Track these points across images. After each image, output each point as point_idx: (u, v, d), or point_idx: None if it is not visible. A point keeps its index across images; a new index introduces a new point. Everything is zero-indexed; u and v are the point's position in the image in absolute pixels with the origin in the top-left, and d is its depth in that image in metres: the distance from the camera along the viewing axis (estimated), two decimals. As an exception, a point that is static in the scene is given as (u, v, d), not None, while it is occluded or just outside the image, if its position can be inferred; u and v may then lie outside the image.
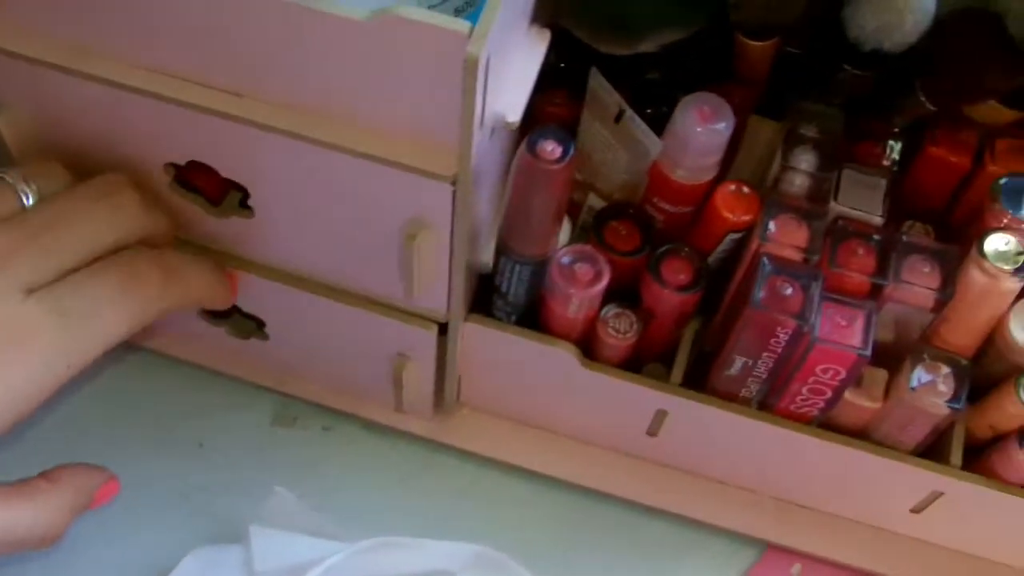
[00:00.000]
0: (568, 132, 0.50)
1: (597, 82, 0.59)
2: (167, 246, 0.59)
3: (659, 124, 0.59)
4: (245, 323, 0.68)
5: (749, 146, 0.64)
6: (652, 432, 0.67)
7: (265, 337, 0.69)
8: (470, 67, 0.45)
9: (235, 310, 0.67)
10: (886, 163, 0.61)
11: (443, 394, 0.69)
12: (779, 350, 0.58)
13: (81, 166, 0.59)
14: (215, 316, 0.68)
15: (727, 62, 0.63)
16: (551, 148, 0.50)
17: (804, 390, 0.60)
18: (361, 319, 0.62)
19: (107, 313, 0.53)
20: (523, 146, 0.50)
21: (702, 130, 0.57)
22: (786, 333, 0.57)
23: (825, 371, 0.58)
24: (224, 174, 0.56)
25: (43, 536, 0.55)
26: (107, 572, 0.67)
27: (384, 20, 0.45)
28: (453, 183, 0.51)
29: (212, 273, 0.60)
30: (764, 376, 0.60)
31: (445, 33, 0.45)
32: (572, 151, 0.50)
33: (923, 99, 0.58)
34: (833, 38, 0.58)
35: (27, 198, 0.54)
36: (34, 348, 0.50)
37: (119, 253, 0.54)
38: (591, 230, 0.61)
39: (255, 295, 0.65)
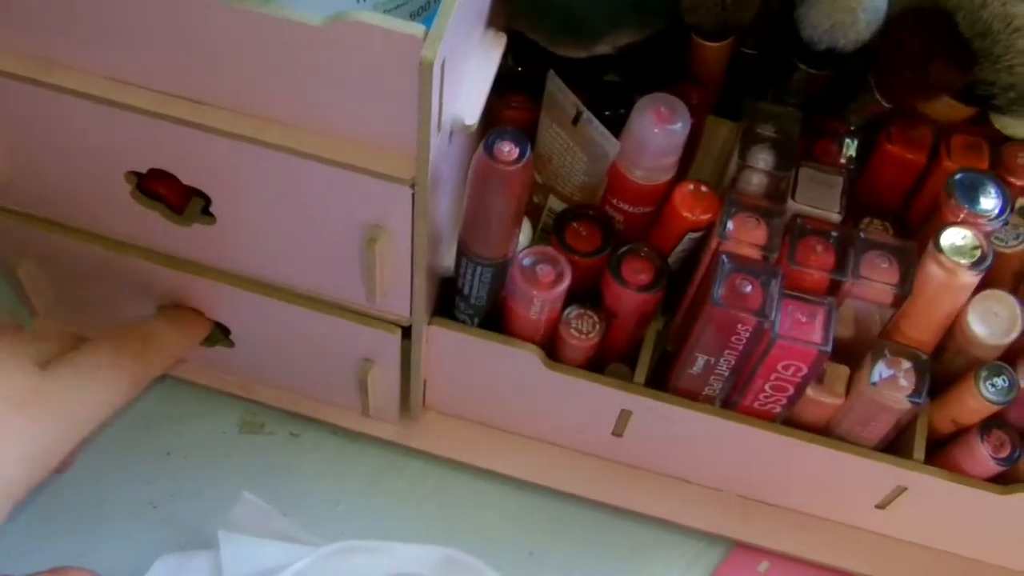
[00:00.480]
0: (524, 134, 0.51)
1: (554, 85, 0.60)
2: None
3: (617, 125, 0.60)
4: (210, 331, 0.68)
5: (707, 146, 0.65)
6: (617, 432, 0.67)
7: (231, 344, 0.69)
8: (425, 70, 0.45)
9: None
10: (843, 161, 0.62)
11: (409, 398, 0.70)
12: (740, 347, 0.58)
13: (40, 175, 0.59)
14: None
15: (683, 63, 0.63)
16: (508, 149, 0.50)
17: (766, 387, 0.60)
18: (325, 324, 0.63)
19: (108, 380, 0.57)
20: (480, 148, 0.51)
21: (659, 131, 0.58)
22: (747, 330, 0.57)
23: (787, 368, 0.58)
24: (185, 181, 0.56)
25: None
26: (75, 582, 0.67)
27: (339, 25, 0.46)
28: (412, 186, 0.51)
29: (184, 325, 0.65)
30: (726, 374, 0.61)
31: (400, 37, 0.45)
32: (529, 152, 0.50)
33: (878, 96, 0.59)
34: (787, 38, 0.58)
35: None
36: (47, 415, 0.53)
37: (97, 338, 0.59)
38: (552, 232, 0.61)
39: (220, 303, 0.65)
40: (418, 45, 0.45)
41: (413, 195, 0.51)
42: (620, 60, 0.61)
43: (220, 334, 0.68)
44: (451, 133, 0.52)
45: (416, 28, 0.45)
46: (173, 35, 0.49)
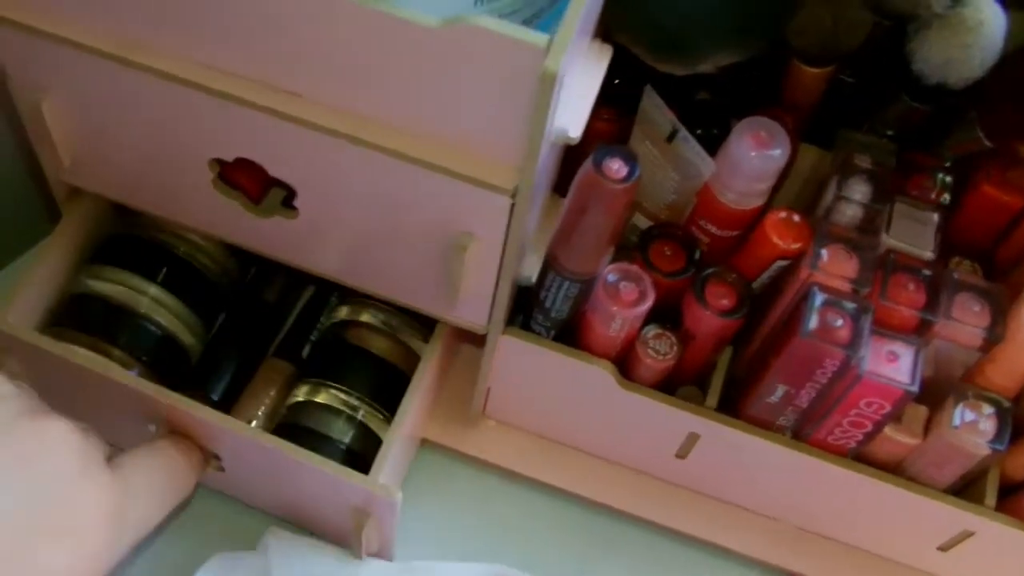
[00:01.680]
0: (634, 153, 0.49)
1: (650, 100, 0.59)
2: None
3: (707, 145, 0.59)
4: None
5: (793, 173, 0.64)
6: (680, 455, 0.66)
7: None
8: (547, 82, 0.44)
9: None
10: (937, 198, 0.60)
11: (469, 405, 0.69)
12: (824, 381, 0.57)
13: (118, 157, 0.58)
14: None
15: (776, 86, 0.62)
16: (617, 167, 0.49)
17: (844, 422, 0.59)
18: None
19: (162, 492, 0.55)
20: (588, 163, 0.49)
21: (756, 155, 0.56)
22: (834, 364, 0.56)
23: (869, 405, 0.57)
24: (273, 173, 0.55)
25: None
26: None
27: (457, 28, 0.45)
28: (512, 197, 0.50)
29: (169, 478, 0.59)
30: (804, 406, 0.59)
31: (521, 45, 0.44)
32: (637, 172, 0.49)
33: (980, 134, 0.58)
34: (893, 68, 0.57)
35: None
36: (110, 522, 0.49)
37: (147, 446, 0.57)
38: (636, 249, 0.60)
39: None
40: (540, 55, 0.44)
41: (512, 205, 0.50)
42: (713, 79, 0.59)
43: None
44: (551, 145, 0.51)
45: (539, 38, 0.44)
46: (282, 27, 0.48)
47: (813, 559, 0.69)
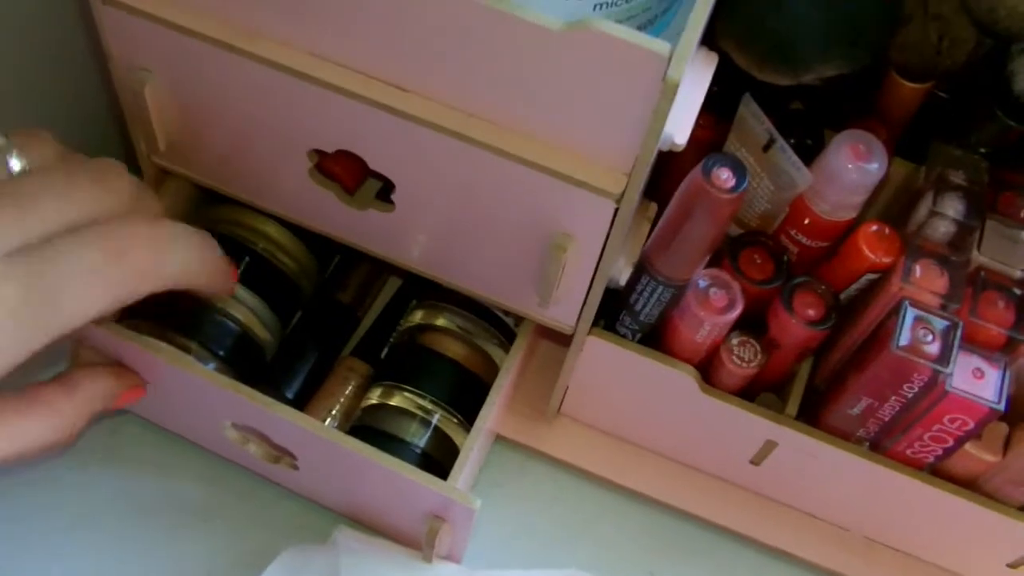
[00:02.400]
0: (743, 163, 0.50)
1: (748, 109, 0.59)
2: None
3: (800, 155, 0.59)
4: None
5: (883, 186, 0.64)
6: (755, 461, 0.66)
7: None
8: (668, 90, 0.44)
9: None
10: (1026, 216, 0.61)
11: (544, 402, 0.69)
12: (909, 395, 0.57)
13: (215, 142, 0.59)
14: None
15: (869, 98, 0.62)
16: (725, 176, 0.50)
17: (925, 437, 0.59)
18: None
19: (80, 289, 0.46)
20: (697, 170, 0.50)
21: (854, 168, 0.57)
22: (921, 380, 0.56)
23: (952, 421, 0.58)
24: (372, 166, 0.56)
25: (52, 444, 0.52)
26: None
27: (580, 32, 0.45)
28: (617, 201, 0.50)
29: (209, 256, 0.53)
30: (886, 419, 0.60)
31: (644, 53, 0.44)
32: (746, 183, 0.50)
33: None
34: (991, 87, 0.57)
35: (14, 166, 0.48)
36: (13, 317, 0.44)
37: (107, 222, 0.48)
38: (726, 256, 0.60)
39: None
40: (662, 64, 0.44)
41: (616, 210, 0.51)
42: (807, 89, 0.59)
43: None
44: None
45: (662, 46, 0.44)
46: (399, 19, 0.48)
47: (881, 570, 0.69)
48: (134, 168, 0.66)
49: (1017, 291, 0.58)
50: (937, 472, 0.63)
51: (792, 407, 0.63)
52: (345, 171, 0.59)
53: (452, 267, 0.61)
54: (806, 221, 0.60)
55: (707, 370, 0.62)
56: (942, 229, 0.59)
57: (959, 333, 0.56)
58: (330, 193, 0.59)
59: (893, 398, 0.58)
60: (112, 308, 0.47)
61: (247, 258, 0.67)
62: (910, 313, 0.56)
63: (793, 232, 0.61)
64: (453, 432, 0.65)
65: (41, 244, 0.45)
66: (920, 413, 0.58)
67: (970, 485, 0.63)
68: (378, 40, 0.50)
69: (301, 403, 0.69)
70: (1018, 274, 0.59)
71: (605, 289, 0.60)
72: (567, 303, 0.59)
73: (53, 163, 0.49)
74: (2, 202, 0.45)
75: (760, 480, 0.69)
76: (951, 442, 0.59)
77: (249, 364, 0.67)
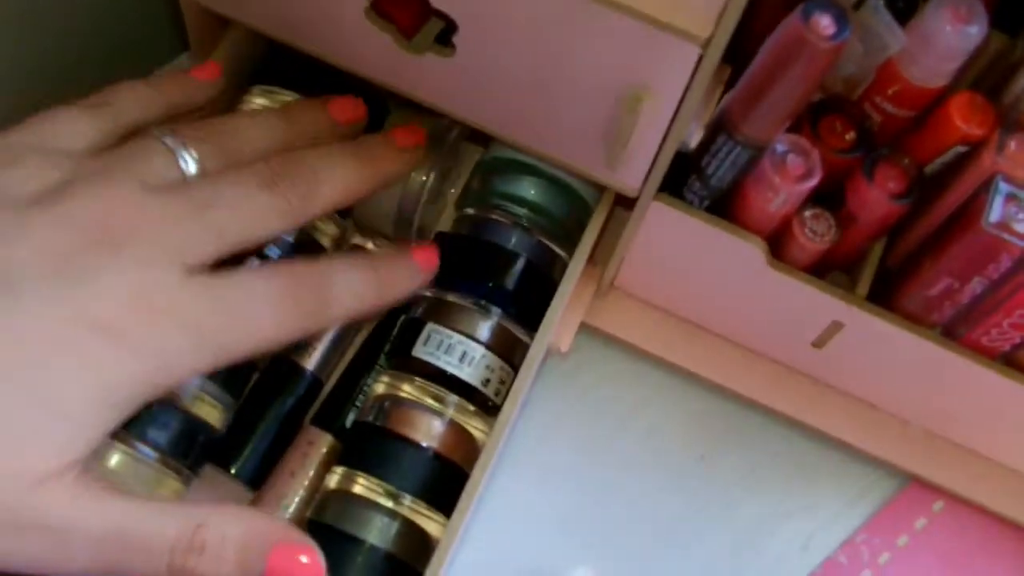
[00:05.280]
0: (847, 11, 0.46)
1: (839, -38, 0.55)
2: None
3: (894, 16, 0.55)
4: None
5: (976, 56, 0.60)
6: (818, 344, 0.63)
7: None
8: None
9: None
10: None
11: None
12: (994, 276, 0.54)
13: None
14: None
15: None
16: (826, 23, 0.46)
17: (1005, 323, 0.56)
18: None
19: (265, 314, 0.48)
20: (795, 15, 0.46)
21: (952, 30, 0.53)
22: (1010, 259, 0.53)
23: (1036, 307, 0.54)
24: (434, 3, 0.52)
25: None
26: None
27: None
28: (703, 47, 0.46)
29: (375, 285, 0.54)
30: (964, 302, 0.56)
31: None
32: (848, 32, 0.46)
33: None
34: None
35: (187, 165, 0.49)
36: (188, 327, 0.45)
37: (282, 261, 0.52)
38: (806, 122, 0.57)
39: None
40: None
41: (701, 57, 0.47)
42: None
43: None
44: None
45: None
46: None
47: (940, 465, 0.67)
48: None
49: (1117, 171, 0.54)
50: (1011, 363, 0.59)
51: (863, 287, 0.60)
52: (405, 11, 0.55)
53: (514, 121, 0.57)
54: (894, 88, 0.56)
55: (776, 243, 0.59)
56: (1040, 103, 0.55)
57: (1053, 213, 0.53)
58: (387, 36, 0.55)
59: (976, 279, 0.55)
60: (277, 345, 0.49)
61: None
62: (1003, 188, 0.52)
63: (879, 99, 0.57)
64: (425, 523, 0.56)
65: (223, 270, 0.47)
66: (1004, 297, 0.55)
67: (1046, 378, 0.60)
68: None
69: (258, 482, 0.60)
70: (1119, 153, 0.55)
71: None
72: (634, 164, 0.55)
73: (228, 170, 0.50)
74: (185, 210, 0.46)
75: (821, 364, 0.65)
76: (1032, 330, 0.56)
77: (196, 449, 0.57)
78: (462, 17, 0.52)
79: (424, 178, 0.61)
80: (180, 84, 0.56)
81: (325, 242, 0.61)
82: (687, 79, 0.48)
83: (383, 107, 0.62)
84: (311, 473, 0.60)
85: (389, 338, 0.62)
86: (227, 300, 0.46)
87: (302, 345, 0.62)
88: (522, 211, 0.61)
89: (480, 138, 0.64)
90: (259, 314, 0.47)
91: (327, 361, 0.63)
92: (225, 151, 0.51)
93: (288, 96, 0.61)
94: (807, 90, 0.49)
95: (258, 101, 0.61)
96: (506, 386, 0.59)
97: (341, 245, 0.63)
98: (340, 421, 0.62)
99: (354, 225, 0.64)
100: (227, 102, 0.62)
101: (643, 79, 0.50)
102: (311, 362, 0.62)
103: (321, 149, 0.54)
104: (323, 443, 0.61)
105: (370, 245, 0.63)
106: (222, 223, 0.47)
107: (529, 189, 0.61)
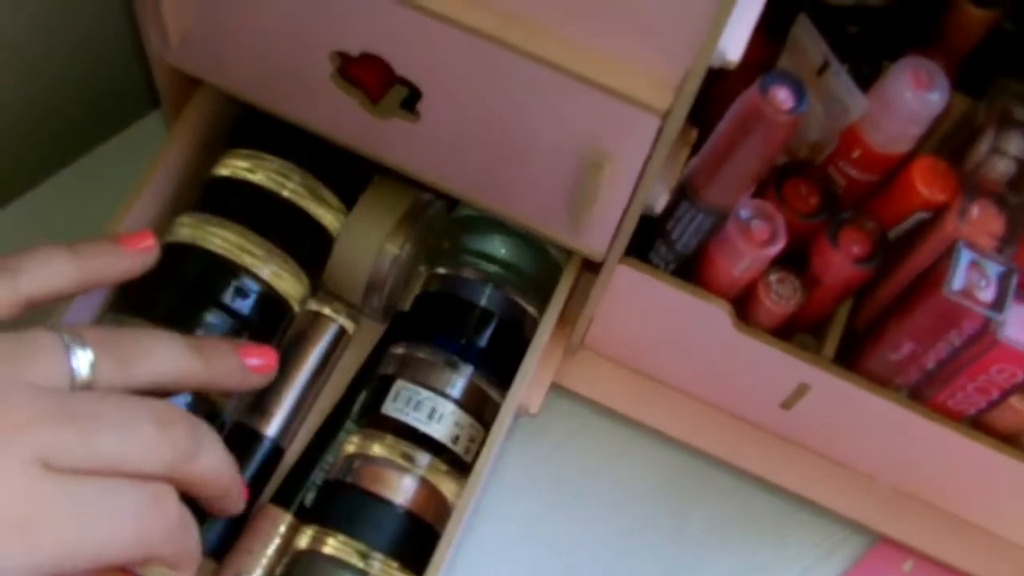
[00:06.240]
0: (803, 83, 0.46)
1: (803, 30, 0.55)
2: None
3: (856, 82, 0.55)
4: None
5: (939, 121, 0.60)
6: (786, 405, 0.63)
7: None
8: (727, -3, 0.41)
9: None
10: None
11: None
12: (956, 343, 0.54)
13: (233, 38, 0.55)
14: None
15: (927, 27, 0.59)
16: (784, 96, 0.46)
17: (969, 387, 0.56)
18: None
19: (126, 523, 0.43)
20: (753, 89, 0.46)
21: (913, 97, 0.53)
22: (972, 327, 0.53)
23: (1000, 372, 0.54)
24: (399, 71, 0.52)
25: None
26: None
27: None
28: (663, 118, 0.47)
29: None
30: (928, 366, 0.57)
31: (703, -46, 0.41)
32: (806, 104, 0.46)
33: None
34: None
35: (78, 369, 0.45)
36: (40, 535, 0.40)
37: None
38: (771, 186, 0.57)
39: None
40: (722, -32, 0.40)
41: (661, 127, 0.47)
42: (866, 13, 0.56)
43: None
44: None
45: (722, -53, 0.40)
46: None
47: (909, 524, 0.67)
48: (150, 83, 0.63)
49: (1078, 237, 0.55)
50: (977, 425, 0.60)
51: (829, 349, 0.60)
52: (371, 77, 0.55)
53: (478, 184, 0.57)
54: (857, 152, 0.56)
55: (743, 306, 0.59)
56: (1001, 168, 0.56)
57: (1015, 280, 0.53)
58: (353, 100, 0.56)
59: (939, 344, 0.55)
60: (127, 559, 0.43)
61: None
62: (965, 255, 0.53)
63: (843, 164, 0.57)
64: None
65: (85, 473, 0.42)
66: (966, 362, 0.55)
67: (1010, 440, 0.60)
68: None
69: (220, 553, 0.59)
70: (1080, 219, 0.56)
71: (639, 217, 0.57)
72: (599, 228, 0.55)
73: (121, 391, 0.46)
74: (57, 410, 0.42)
75: (789, 425, 0.65)
76: (996, 394, 0.56)
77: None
78: (425, 85, 0.52)
79: (397, 251, 0.61)
80: (104, 256, 0.52)
81: (293, 304, 0.61)
82: (648, 147, 0.49)
83: (366, 174, 0.63)
84: (269, 552, 0.59)
85: (349, 411, 0.62)
86: (91, 503, 0.42)
87: (261, 411, 0.61)
88: (493, 268, 0.61)
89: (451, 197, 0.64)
90: (123, 519, 0.43)
91: (287, 427, 0.62)
92: (125, 364, 0.47)
93: (270, 160, 0.61)
94: (767, 160, 0.50)
95: (240, 164, 0.61)
96: (476, 443, 0.59)
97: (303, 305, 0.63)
98: (298, 497, 0.60)
99: (322, 290, 0.64)
100: (199, 165, 0.63)
101: (605, 146, 0.50)
102: (271, 428, 0.61)
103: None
104: (283, 521, 0.59)
105: (327, 310, 0.63)
106: (98, 434, 0.43)
107: (500, 247, 0.62)
